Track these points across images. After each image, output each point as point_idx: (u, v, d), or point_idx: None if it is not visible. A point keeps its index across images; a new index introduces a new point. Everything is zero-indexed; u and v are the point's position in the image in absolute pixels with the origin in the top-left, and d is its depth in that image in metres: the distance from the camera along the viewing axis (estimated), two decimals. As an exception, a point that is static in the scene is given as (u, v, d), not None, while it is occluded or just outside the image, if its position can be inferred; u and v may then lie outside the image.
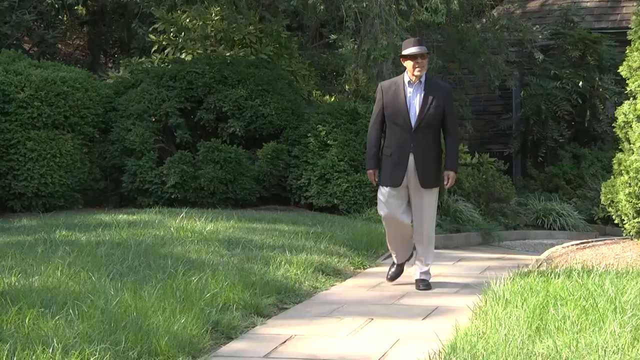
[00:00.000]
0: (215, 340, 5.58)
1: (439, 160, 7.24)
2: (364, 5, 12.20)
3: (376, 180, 7.33)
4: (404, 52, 7.15)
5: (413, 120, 7.06)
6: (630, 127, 8.94)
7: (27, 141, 11.97)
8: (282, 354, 5.36)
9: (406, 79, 7.14)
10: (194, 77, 13.13)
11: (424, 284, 7.42)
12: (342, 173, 12.58)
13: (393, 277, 7.70)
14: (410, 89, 7.10)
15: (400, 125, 7.10)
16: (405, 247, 7.60)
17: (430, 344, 5.28)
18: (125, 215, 10.68)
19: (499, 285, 6.36)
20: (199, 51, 14.25)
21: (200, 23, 13.77)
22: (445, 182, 7.21)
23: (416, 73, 7.03)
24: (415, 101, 7.08)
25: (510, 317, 5.50)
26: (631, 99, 9.10)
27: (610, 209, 9.40)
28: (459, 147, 7.34)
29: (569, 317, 5.37)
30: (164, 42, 14.63)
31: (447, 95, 7.18)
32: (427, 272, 7.52)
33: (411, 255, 7.71)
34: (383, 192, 7.27)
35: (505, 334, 5.08)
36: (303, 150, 12.91)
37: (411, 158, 7.09)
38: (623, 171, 8.86)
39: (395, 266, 7.70)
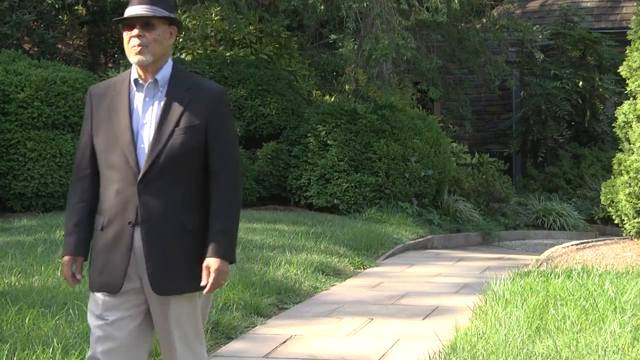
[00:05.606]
0: (215, 340, 5.58)
1: (197, 236, 3.44)
2: (365, 5, 12.20)
3: (78, 276, 3.49)
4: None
5: (141, 158, 3.40)
6: (630, 127, 8.94)
7: (27, 141, 11.96)
8: (282, 354, 5.36)
9: (132, 77, 3.49)
10: (194, 77, 13.11)
11: None
12: (342, 173, 12.58)
13: None
14: (139, 95, 3.47)
15: (118, 167, 3.43)
16: None
17: (430, 344, 5.28)
18: (125, 215, 10.66)
19: (499, 285, 6.36)
20: (199, 51, 14.25)
21: (200, 23, 13.76)
22: (204, 282, 3.37)
23: (134, 58, 3.40)
24: (147, 118, 3.45)
25: (510, 317, 5.50)
26: (631, 99, 9.10)
27: (610, 209, 9.40)
28: (239, 209, 3.58)
29: (569, 317, 5.37)
30: (164, 42, 14.61)
31: (215, 105, 3.45)
32: None
33: None
34: (93, 301, 3.48)
35: (505, 334, 5.08)
36: (303, 150, 12.90)
37: (137, 234, 3.40)
38: (623, 171, 8.86)
39: None
